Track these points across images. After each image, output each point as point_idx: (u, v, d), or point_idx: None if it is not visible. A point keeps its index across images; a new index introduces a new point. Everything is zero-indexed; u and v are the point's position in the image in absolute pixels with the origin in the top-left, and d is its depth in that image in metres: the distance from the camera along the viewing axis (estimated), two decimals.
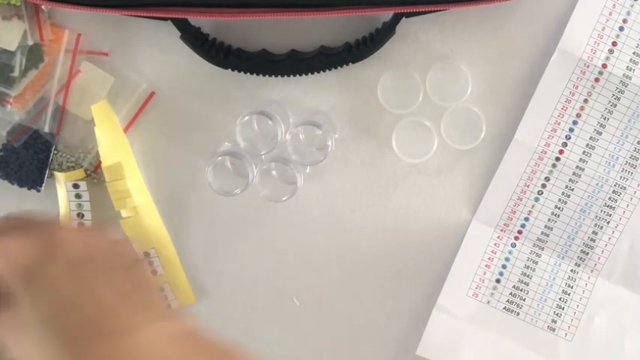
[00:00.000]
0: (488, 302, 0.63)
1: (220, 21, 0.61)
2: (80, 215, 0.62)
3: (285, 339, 0.65)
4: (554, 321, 0.63)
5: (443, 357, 0.63)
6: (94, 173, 0.63)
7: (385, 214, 0.63)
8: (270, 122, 0.60)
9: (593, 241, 0.63)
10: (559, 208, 0.62)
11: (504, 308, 0.63)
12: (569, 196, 0.62)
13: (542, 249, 0.63)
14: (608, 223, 0.63)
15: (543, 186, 0.62)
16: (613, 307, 0.63)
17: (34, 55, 0.61)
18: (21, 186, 0.63)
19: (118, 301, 0.35)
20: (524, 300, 0.63)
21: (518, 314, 0.63)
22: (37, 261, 0.35)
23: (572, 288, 0.63)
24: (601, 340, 0.63)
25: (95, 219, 0.63)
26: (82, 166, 0.63)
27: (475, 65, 0.61)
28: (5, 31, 0.60)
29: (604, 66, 0.60)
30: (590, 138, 0.62)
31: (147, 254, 0.63)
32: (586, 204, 0.62)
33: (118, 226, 0.62)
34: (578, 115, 0.61)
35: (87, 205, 0.62)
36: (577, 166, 0.62)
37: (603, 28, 0.60)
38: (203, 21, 0.61)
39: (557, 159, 0.62)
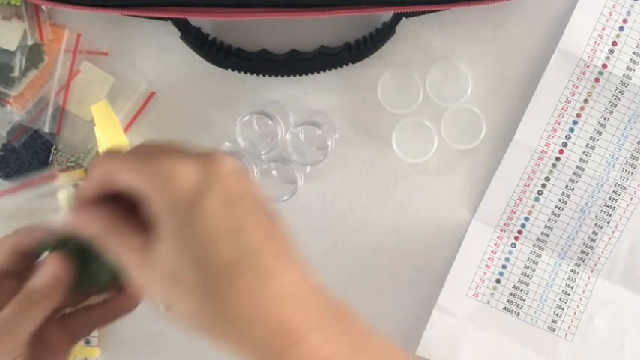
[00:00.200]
0: (488, 302, 0.63)
1: (220, 21, 0.61)
2: None
3: None
4: (554, 321, 0.63)
5: (443, 357, 0.63)
6: None
7: (385, 214, 0.63)
8: (270, 122, 0.60)
9: (593, 241, 0.63)
10: (559, 208, 0.62)
11: (504, 308, 0.63)
12: (569, 196, 0.62)
13: (542, 249, 0.63)
14: (608, 223, 0.63)
15: (543, 186, 0.62)
16: (613, 307, 0.63)
17: (34, 55, 0.61)
18: None
19: (262, 243, 0.36)
20: (524, 300, 0.63)
21: (518, 314, 0.63)
22: (196, 189, 0.35)
23: (572, 288, 0.63)
24: (601, 340, 0.63)
25: None
26: (82, 166, 0.63)
27: (475, 65, 0.61)
28: (5, 31, 0.60)
29: (604, 66, 0.60)
30: (590, 138, 0.62)
31: None
32: (586, 204, 0.62)
33: None
34: (578, 115, 0.61)
35: None
36: (577, 166, 0.62)
37: (603, 28, 0.60)
38: (203, 21, 0.61)
39: (557, 159, 0.62)
